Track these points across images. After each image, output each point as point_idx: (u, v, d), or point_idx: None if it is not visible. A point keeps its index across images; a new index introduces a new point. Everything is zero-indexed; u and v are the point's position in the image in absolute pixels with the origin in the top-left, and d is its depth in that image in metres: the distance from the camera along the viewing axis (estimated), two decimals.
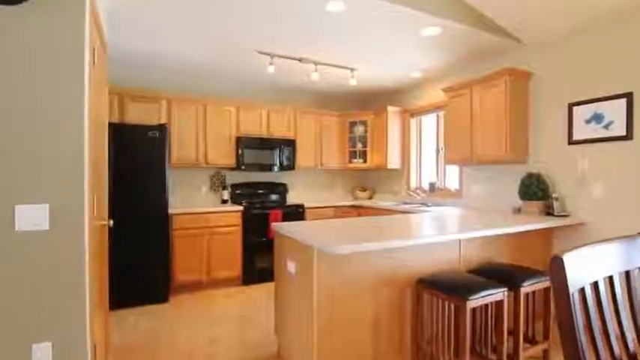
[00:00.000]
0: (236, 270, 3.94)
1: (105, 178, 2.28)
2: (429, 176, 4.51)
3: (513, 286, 2.19)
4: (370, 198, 5.23)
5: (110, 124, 3.25)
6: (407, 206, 3.97)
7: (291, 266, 2.18)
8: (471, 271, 2.43)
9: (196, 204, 4.30)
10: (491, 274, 2.33)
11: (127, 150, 3.31)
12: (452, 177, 4.17)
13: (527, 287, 2.22)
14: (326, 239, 1.83)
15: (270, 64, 3.41)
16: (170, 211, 3.61)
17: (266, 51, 3.36)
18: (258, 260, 4.03)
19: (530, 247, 2.87)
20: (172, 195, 4.20)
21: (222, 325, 2.93)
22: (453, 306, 2.15)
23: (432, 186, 4.28)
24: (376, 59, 3.61)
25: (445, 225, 2.44)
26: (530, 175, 3.02)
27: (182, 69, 4.01)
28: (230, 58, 3.63)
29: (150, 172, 3.40)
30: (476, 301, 1.96)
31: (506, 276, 2.26)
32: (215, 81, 4.44)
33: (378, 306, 2.11)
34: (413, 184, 4.65)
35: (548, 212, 2.99)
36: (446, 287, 2.03)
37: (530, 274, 2.29)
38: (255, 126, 4.36)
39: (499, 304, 2.10)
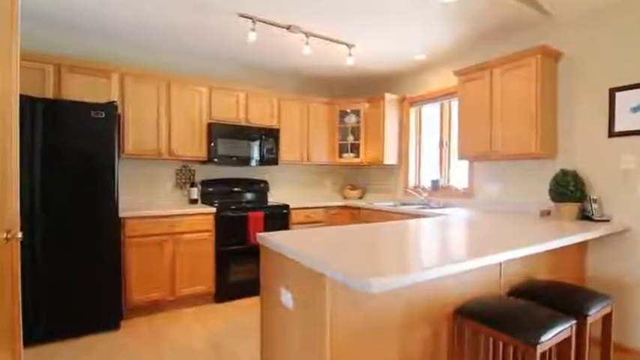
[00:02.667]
0: (208, 284, 3.24)
1: (12, 173, 1.54)
2: (429, 173, 4.00)
3: (578, 315, 1.69)
4: (361, 197, 4.66)
5: (35, 100, 2.46)
6: (409, 208, 3.44)
7: (286, 297, 1.55)
8: (513, 294, 1.91)
9: (158, 204, 3.55)
10: (544, 299, 1.81)
11: (60, 134, 2.53)
12: (458, 174, 3.69)
13: (593, 316, 1.72)
14: (342, 262, 1.22)
15: (252, 30, 2.73)
16: (122, 213, 2.86)
17: (248, 14, 2.68)
18: (235, 272, 3.36)
19: (563, 259, 2.40)
20: (126, 194, 3.43)
21: None
22: (510, 347, 1.61)
23: (434, 184, 3.77)
24: (379, 34, 3.02)
25: (482, 235, 1.90)
26: (565, 173, 2.55)
27: (140, 36, 3.24)
28: (203, 23, 2.91)
29: (94, 164, 2.64)
30: (547, 343, 1.43)
31: (563, 300, 1.76)
32: (183, 54, 3.69)
33: (407, 350, 1.53)
34: (411, 182, 4.13)
35: (585, 216, 2.54)
36: (499, 322, 1.49)
37: (591, 296, 1.80)
38: (230, 111, 3.67)
39: (566, 340, 1.58)
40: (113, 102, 2.73)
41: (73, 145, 2.56)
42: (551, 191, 2.60)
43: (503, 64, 2.80)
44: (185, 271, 3.13)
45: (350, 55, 3.25)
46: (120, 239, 2.82)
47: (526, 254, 1.64)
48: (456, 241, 1.72)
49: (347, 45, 3.23)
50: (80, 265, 2.60)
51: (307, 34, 2.98)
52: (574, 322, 1.57)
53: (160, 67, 3.61)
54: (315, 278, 1.33)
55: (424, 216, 3.09)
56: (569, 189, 2.49)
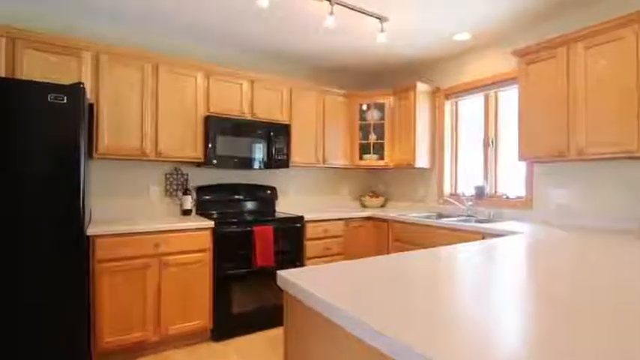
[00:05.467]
0: (204, 319, 2.56)
1: None
2: (469, 179, 3.36)
3: None
4: (382, 206, 4.01)
5: None
6: (452, 221, 2.79)
7: None
8: None
9: (141, 217, 2.89)
10: None
11: (5, 124, 1.86)
12: (506, 179, 3.05)
13: None
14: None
15: None
16: (91, 231, 2.19)
17: None
18: (238, 302, 2.68)
19: None
20: (99, 204, 2.76)
21: None
22: None
23: (479, 192, 3.12)
24: (415, 6, 2.40)
25: None
26: None
27: (121, 6, 2.59)
28: None
29: (52, 165, 1.97)
30: None
31: None
32: (173, 31, 3.04)
33: None
34: (446, 189, 3.48)
35: None
36: None
37: None
38: (232, 102, 3.02)
39: None
40: (80, 83, 2.07)
41: (22, 139, 1.90)
42: None
43: (588, 38, 2.17)
44: (174, 302, 2.46)
45: (382, 30, 2.61)
46: (88, 264, 2.15)
47: None
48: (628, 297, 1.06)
49: (379, 18, 2.60)
50: (32, 300, 1.92)
51: (332, 1, 2.34)
52: None
53: (145, 45, 2.96)
54: None
55: (481, 233, 2.43)
56: None
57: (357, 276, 1.12)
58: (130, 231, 2.30)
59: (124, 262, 2.29)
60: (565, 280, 1.10)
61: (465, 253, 1.51)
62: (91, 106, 2.45)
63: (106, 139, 2.50)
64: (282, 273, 1.14)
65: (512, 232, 2.18)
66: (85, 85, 2.10)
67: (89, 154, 2.43)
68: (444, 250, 1.55)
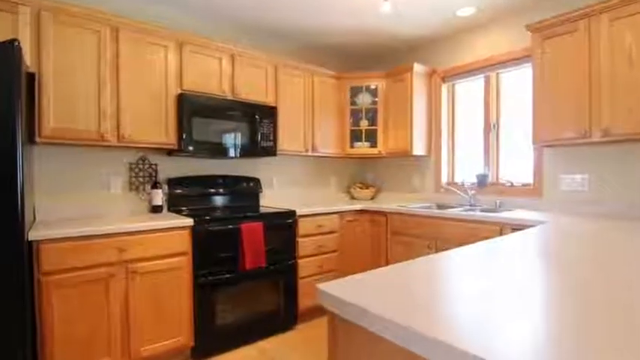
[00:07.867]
0: (183, 335, 2.15)
1: None
2: (467, 166, 3.18)
3: None
4: (373, 198, 3.75)
5: None
6: (457, 212, 2.57)
7: None
8: None
9: (99, 216, 2.40)
10: None
11: None
12: (510, 166, 2.89)
13: None
14: None
15: None
16: (34, 234, 1.70)
17: None
18: (224, 312, 2.29)
19: None
20: (46, 201, 2.23)
21: None
22: None
23: (481, 180, 2.94)
24: None
25: None
26: None
27: None
28: None
29: None
30: None
31: None
32: None
33: None
34: (444, 177, 3.28)
35: None
36: None
37: None
38: (211, 79, 2.58)
39: None
40: (13, 41, 1.57)
41: None
42: None
43: (614, 9, 2.00)
44: (146, 319, 2.02)
45: None
46: (30, 278, 1.67)
47: None
48: None
49: None
50: None
51: None
52: None
53: (103, 6, 2.44)
54: None
55: (499, 224, 2.22)
56: None
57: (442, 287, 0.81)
58: (85, 233, 1.83)
59: (80, 273, 1.82)
60: None
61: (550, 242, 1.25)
62: (31, 76, 1.93)
63: (51, 118, 1.99)
64: (326, 289, 0.81)
65: (540, 222, 1.98)
66: (21, 45, 1.60)
67: (30, 138, 1.92)
68: (505, 242, 1.29)
